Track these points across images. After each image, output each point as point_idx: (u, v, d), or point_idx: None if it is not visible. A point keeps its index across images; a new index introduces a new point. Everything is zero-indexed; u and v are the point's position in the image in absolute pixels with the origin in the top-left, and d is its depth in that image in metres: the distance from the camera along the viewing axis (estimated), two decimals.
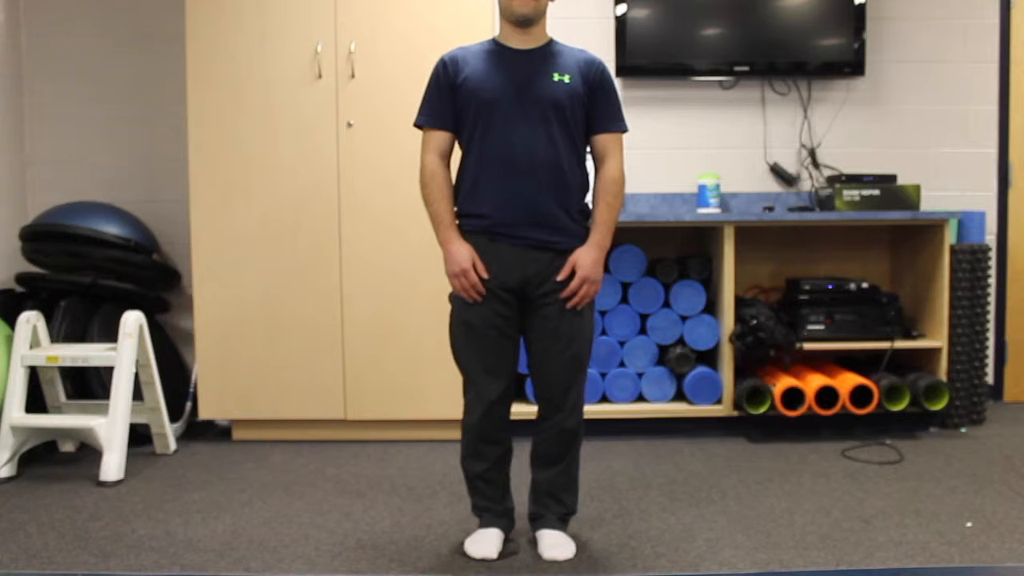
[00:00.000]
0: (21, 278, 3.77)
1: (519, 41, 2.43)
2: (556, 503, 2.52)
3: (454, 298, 2.46)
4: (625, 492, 3.01)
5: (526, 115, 2.36)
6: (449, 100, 2.42)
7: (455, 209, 2.46)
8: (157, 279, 3.91)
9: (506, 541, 2.52)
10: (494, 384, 2.42)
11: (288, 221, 3.60)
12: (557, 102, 2.37)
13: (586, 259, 2.39)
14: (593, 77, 2.43)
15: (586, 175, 2.48)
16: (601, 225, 2.42)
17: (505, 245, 2.38)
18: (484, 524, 2.53)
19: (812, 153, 4.15)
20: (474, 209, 2.41)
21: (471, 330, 2.42)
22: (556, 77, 2.38)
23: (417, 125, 2.47)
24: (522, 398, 3.51)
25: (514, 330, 2.45)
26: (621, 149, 2.47)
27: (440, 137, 2.44)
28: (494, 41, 2.47)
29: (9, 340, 3.37)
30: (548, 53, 2.43)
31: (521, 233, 2.38)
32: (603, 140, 2.45)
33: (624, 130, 2.48)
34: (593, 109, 2.43)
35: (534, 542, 2.51)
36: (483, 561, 2.43)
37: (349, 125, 3.57)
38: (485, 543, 2.47)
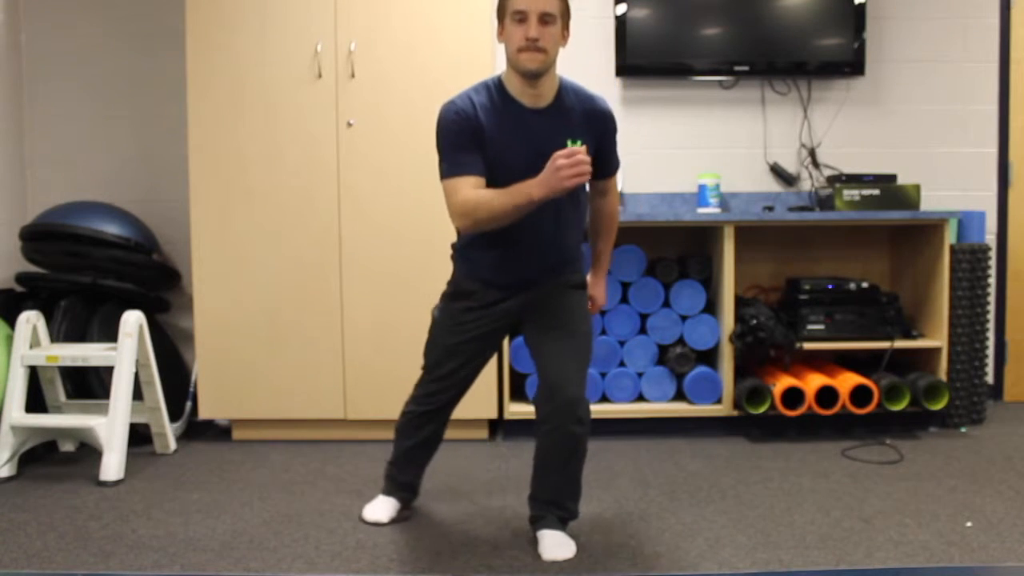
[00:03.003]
0: (21, 278, 3.77)
1: (530, 98, 2.34)
2: (557, 507, 2.52)
3: (438, 315, 2.57)
4: (625, 492, 3.01)
5: None
6: (478, 147, 2.30)
7: (455, 243, 2.54)
8: (157, 279, 3.91)
9: (401, 511, 2.74)
10: (451, 392, 2.60)
11: (288, 221, 3.60)
12: None
13: (602, 294, 2.68)
14: (601, 131, 2.44)
15: (583, 219, 2.54)
16: (604, 256, 2.65)
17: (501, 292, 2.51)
18: (385, 492, 2.76)
19: (812, 153, 4.15)
20: (472, 270, 2.50)
21: (450, 343, 2.54)
22: (569, 144, 2.22)
23: (449, 175, 2.31)
24: (523, 398, 3.52)
25: (496, 341, 2.58)
26: (616, 181, 2.61)
27: (475, 180, 2.30)
28: (501, 89, 2.36)
29: (9, 340, 3.37)
30: (559, 111, 2.36)
31: (516, 290, 2.50)
32: (604, 181, 2.54)
33: (619, 165, 2.57)
34: (600, 160, 2.44)
35: (534, 542, 2.51)
36: (375, 525, 2.66)
37: (349, 125, 3.57)
38: (379, 508, 2.72)
